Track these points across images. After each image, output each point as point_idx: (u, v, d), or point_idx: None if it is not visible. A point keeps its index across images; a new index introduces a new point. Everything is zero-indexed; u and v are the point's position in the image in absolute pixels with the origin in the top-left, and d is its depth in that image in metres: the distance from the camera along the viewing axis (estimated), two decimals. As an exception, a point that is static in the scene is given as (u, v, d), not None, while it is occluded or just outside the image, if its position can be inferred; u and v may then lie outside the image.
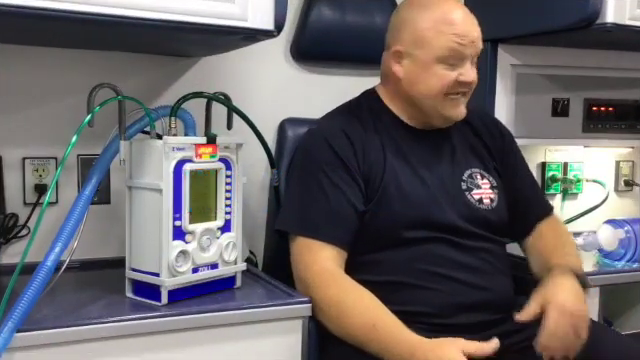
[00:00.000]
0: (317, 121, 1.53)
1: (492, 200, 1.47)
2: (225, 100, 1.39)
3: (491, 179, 1.50)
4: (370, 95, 1.52)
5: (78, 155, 1.55)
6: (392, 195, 1.38)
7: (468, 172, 1.48)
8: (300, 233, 1.36)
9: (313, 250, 1.34)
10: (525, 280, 1.62)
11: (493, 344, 1.17)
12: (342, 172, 1.37)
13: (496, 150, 1.55)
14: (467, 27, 1.37)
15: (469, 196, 1.44)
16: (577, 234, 1.74)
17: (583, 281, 1.36)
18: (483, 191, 1.47)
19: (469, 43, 1.37)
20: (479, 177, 1.48)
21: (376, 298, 1.28)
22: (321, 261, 1.33)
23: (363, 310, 1.27)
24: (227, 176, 1.34)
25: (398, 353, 1.21)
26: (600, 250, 1.69)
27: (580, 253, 1.72)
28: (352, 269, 1.36)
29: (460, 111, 1.44)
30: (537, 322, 1.36)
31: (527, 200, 1.56)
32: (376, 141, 1.42)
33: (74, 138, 1.19)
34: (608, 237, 1.66)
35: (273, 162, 1.54)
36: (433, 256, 1.37)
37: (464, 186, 1.45)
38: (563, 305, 1.26)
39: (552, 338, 1.25)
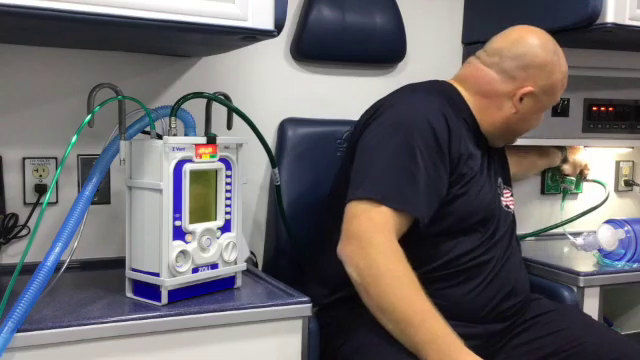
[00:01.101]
0: (404, 96, 1.47)
1: (512, 208, 1.56)
2: (225, 100, 1.39)
3: (510, 189, 1.59)
4: (453, 91, 1.50)
5: (78, 155, 1.55)
6: (471, 187, 1.41)
7: (499, 180, 1.55)
8: (387, 204, 1.28)
9: (385, 215, 1.28)
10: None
11: None
12: (436, 156, 1.35)
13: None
14: None
15: (502, 199, 1.52)
16: (577, 234, 1.74)
17: None
18: (506, 199, 1.55)
19: None
20: (503, 186, 1.56)
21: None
22: (390, 229, 1.28)
23: (423, 297, 1.24)
24: (227, 176, 1.34)
25: (445, 347, 1.20)
26: (600, 250, 1.68)
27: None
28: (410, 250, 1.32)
29: None
30: (546, 323, 1.39)
31: None
32: (464, 133, 1.44)
33: (74, 138, 1.19)
34: (608, 237, 1.66)
35: (274, 161, 1.54)
36: (481, 248, 1.41)
37: (498, 191, 1.53)
38: None
39: None
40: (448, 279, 1.38)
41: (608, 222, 1.70)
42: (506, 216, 1.51)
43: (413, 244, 1.33)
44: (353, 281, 1.27)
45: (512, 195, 1.59)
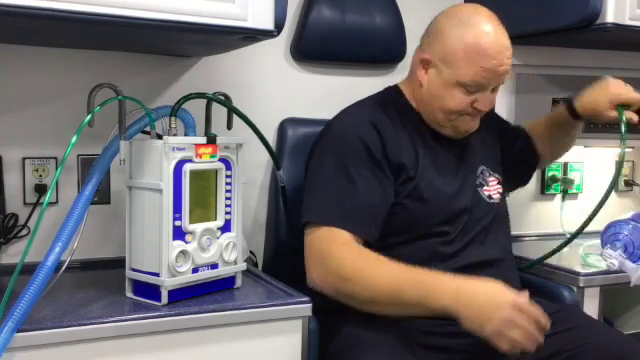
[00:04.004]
0: (341, 113, 1.50)
1: (500, 195, 1.52)
2: (226, 101, 1.39)
3: (497, 175, 1.54)
4: (394, 92, 1.53)
5: (78, 155, 1.55)
6: (423, 190, 1.39)
7: (480, 168, 1.51)
8: (330, 224, 1.33)
9: (340, 235, 1.32)
10: (528, 280, 1.62)
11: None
12: (372, 165, 1.37)
13: (496, 140, 1.61)
14: (497, 61, 1.36)
15: (481, 192, 1.48)
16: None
17: None
18: (491, 187, 1.51)
19: (494, 77, 1.37)
20: (487, 174, 1.52)
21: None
22: (345, 240, 1.32)
23: (390, 264, 1.26)
24: (227, 176, 1.34)
25: (445, 288, 1.20)
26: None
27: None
28: None
29: (473, 125, 1.46)
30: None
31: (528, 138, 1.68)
32: (405, 135, 1.43)
33: (74, 138, 1.19)
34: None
35: (278, 163, 1.54)
36: (453, 251, 1.39)
37: (477, 182, 1.49)
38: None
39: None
40: None
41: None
42: (487, 209, 1.47)
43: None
44: (336, 298, 1.31)
45: (500, 183, 1.54)
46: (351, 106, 1.51)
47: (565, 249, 1.87)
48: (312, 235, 1.35)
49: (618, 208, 2.18)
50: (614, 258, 1.60)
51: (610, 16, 1.56)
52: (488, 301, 1.17)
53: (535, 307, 1.16)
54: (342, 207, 1.34)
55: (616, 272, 1.62)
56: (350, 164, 1.36)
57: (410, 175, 1.39)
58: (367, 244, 1.35)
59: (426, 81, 1.42)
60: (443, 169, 1.45)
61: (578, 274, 1.57)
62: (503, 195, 1.55)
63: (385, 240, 1.37)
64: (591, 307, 1.57)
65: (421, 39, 1.48)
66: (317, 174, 1.42)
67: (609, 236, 1.67)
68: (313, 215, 1.36)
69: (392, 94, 1.52)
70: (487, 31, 1.36)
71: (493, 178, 1.53)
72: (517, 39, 1.83)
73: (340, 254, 1.30)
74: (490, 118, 1.58)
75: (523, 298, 1.17)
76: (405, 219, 1.38)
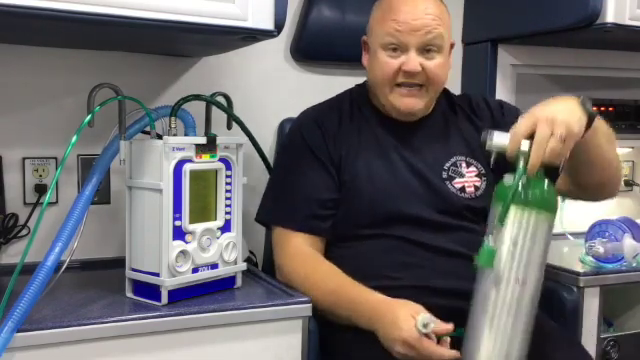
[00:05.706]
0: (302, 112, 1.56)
1: (477, 188, 1.43)
2: (220, 103, 1.39)
3: (479, 166, 1.45)
4: (359, 87, 1.55)
5: (78, 155, 1.55)
6: (363, 188, 1.40)
7: (452, 160, 1.44)
8: (275, 223, 1.44)
9: (288, 236, 1.41)
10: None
11: (449, 326, 1.20)
12: (313, 161, 1.42)
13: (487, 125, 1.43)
14: (409, 15, 1.35)
15: (449, 185, 1.42)
16: (577, 234, 1.74)
17: (586, 107, 1.27)
18: (466, 179, 1.43)
19: (409, 31, 1.35)
20: (464, 165, 1.44)
21: (340, 271, 1.34)
22: (296, 245, 1.40)
23: (328, 278, 1.33)
24: (227, 176, 1.34)
25: (364, 312, 1.26)
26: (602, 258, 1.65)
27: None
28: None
29: (408, 103, 1.40)
30: None
31: None
32: (351, 134, 1.45)
33: (74, 138, 1.19)
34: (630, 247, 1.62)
35: (270, 166, 1.55)
36: (402, 248, 1.36)
37: (444, 175, 1.42)
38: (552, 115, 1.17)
39: (538, 147, 1.14)
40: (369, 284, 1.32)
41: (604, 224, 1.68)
42: (450, 202, 1.39)
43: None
44: None
45: (481, 174, 1.44)
46: (313, 106, 1.54)
47: (565, 249, 1.88)
48: (272, 234, 1.46)
49: (618, 208, 2.18)
50: (598, 246, 1.63)
51: (610, 16, 1.56)
52: (388, 333, 1.21)
53: (429, 345, 1.17)
54: (282, 204, 1.43)
55: (616, 272, 1.62)
56: (292, 162, 1.44)
57: (349, 173, 1.41)
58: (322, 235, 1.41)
59: (366, 62, 1.47)
60: (396, 165, 1.42)
61: (578, 274, 1.57)
62: (486, 187, 1.43)
63: (352, 229, 1.40)
64: (591, 307, 1.57)
65: None
66: (272, 176, 1.53)
67: (593, 235, 1.68)
68: (259, 215, 1.49)
69: (357, 89, 1.54)
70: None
71: (472, 169, 1.44)
72: (517, 39, 1.85)
73: (289, 266, 1.40)
74: (484, 105, 1.52)
75: (413, 336, 1.17)
76: (346, 217, 1.40)
